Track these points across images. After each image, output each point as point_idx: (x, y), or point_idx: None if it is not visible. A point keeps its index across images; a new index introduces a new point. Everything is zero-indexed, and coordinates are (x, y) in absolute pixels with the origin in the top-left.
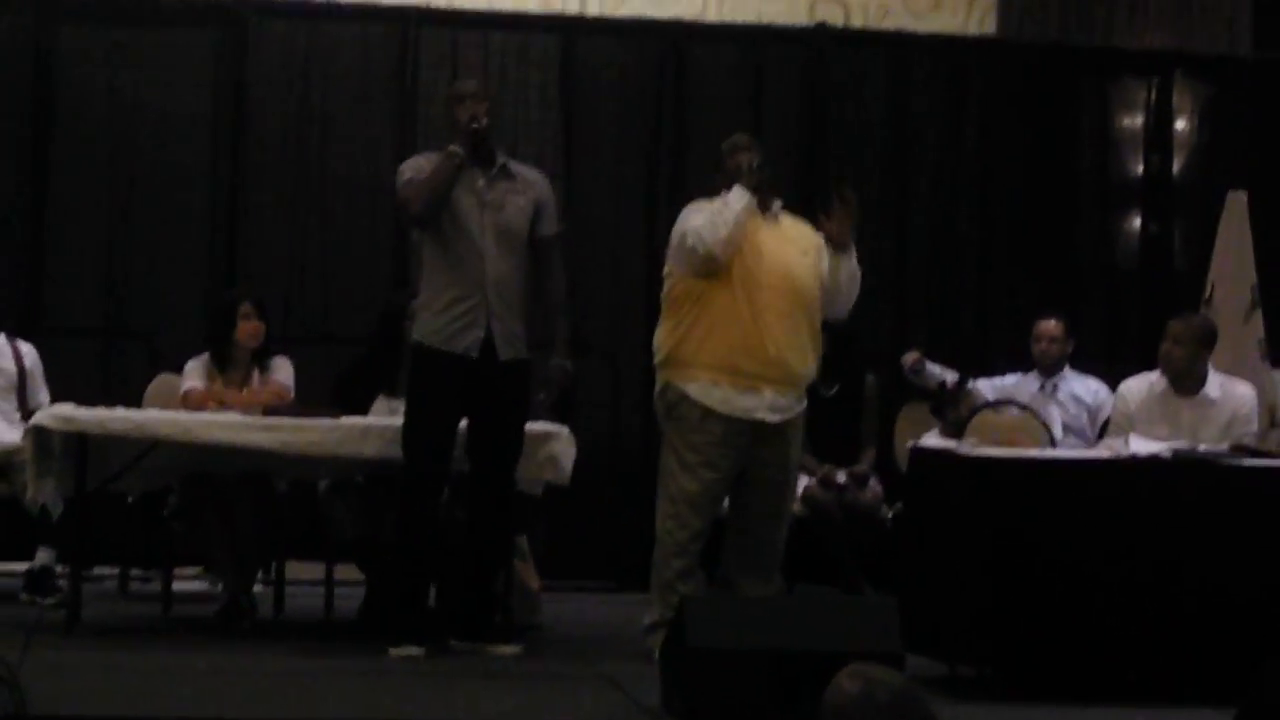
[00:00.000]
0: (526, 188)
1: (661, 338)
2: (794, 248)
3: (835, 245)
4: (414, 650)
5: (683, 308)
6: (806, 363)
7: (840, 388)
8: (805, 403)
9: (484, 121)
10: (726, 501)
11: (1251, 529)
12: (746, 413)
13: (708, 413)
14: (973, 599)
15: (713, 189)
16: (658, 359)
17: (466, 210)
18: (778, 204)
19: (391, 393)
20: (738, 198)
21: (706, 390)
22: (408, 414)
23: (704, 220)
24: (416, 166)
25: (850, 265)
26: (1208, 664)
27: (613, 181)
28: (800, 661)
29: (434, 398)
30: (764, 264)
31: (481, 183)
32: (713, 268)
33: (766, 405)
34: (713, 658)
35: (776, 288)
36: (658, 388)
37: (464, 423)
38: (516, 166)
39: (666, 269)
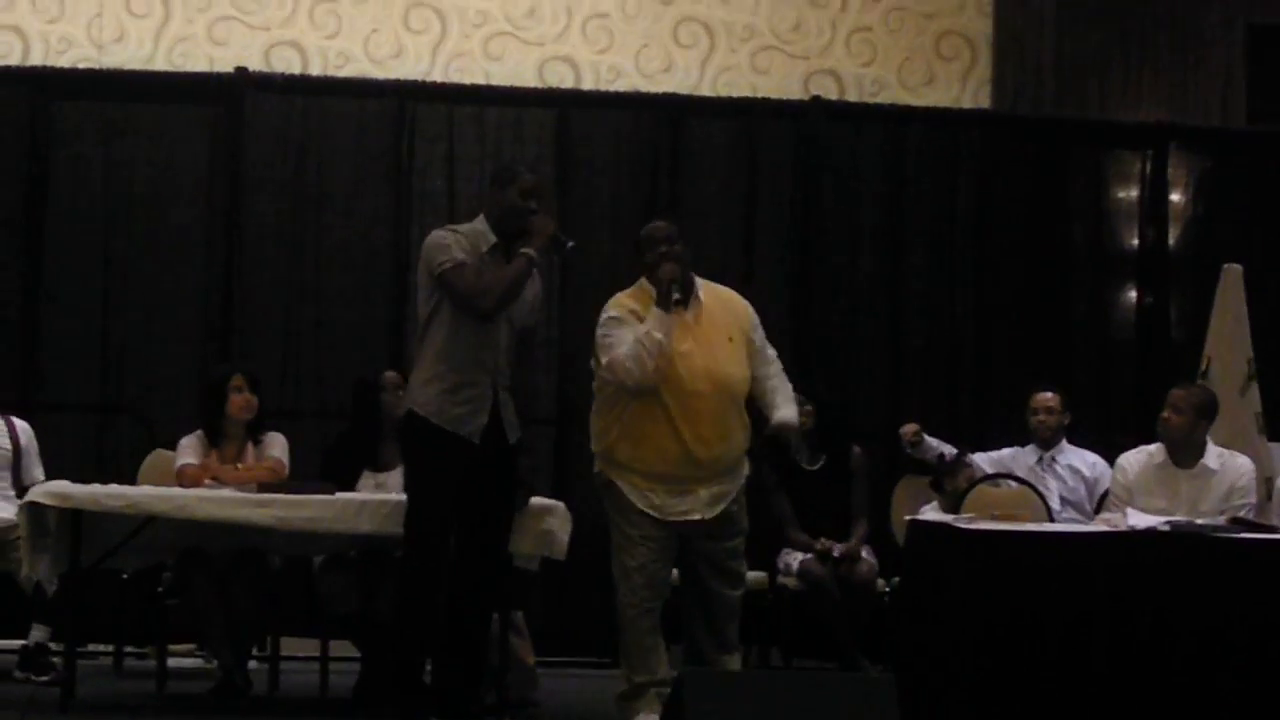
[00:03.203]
0: (533, 280)
1: (597, 431)
2: (717, 338)
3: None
4: None
5: (615, 408)
6: (739, 448)
7: (826, 460)
8: (744, 472)
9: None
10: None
11: (1249, 602)
12: (683, 515)
13: (642, 511)
14: (971, 674)
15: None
16: (595, 447)
17: None
18: (695, 290)
19: (375, 467)
20: (660, 326)
21: (642, 495)
22: (411, 491)
23: (630, 353)
24: (459, 244)
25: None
26: None
27: (608, 253)
28: None
29: (437, 476)
30: (691, 369)
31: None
32: (645, 390)
33: (703, 504)
34: None
35: (703, 393)
36: (597, 467)
37: None
38: None
39: (594, 364)
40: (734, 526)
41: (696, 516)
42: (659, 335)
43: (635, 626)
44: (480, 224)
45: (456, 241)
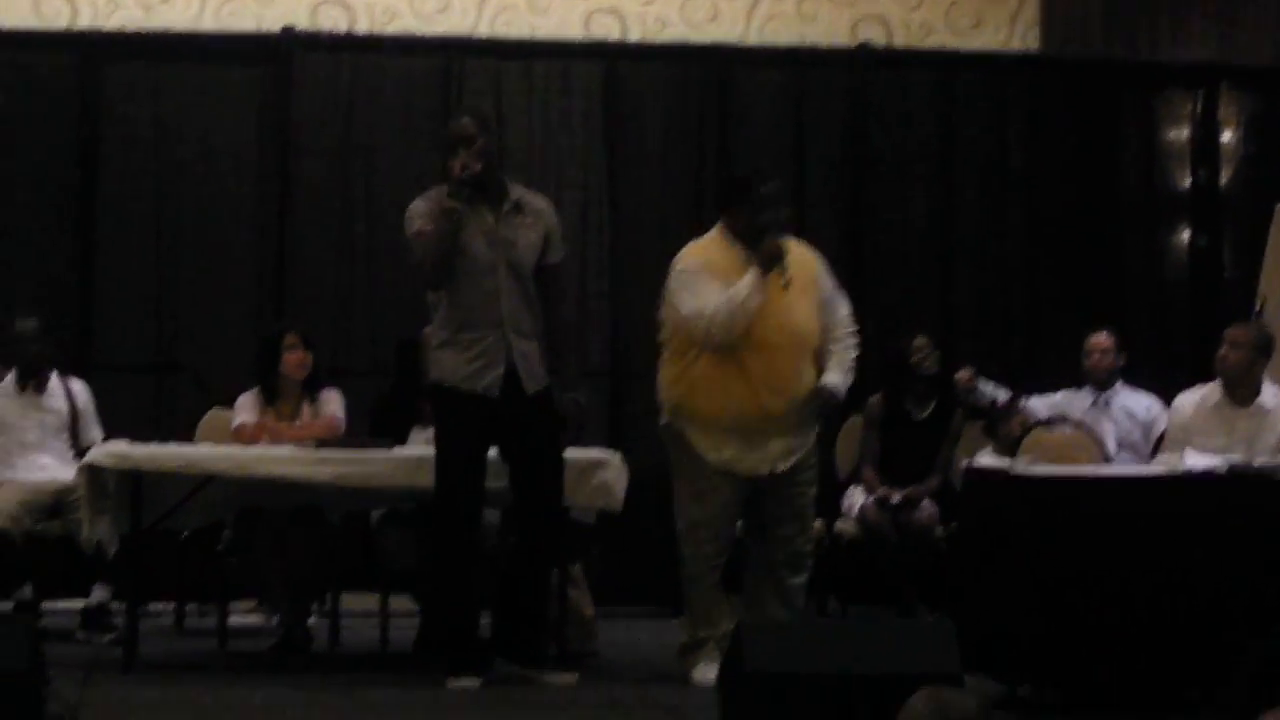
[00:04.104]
0: (536, 219)
1: (666, 383)
2: (797, 289)
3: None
4: (470, 681)
5: (686, 359)
6: (806, 399)
7: (934, 409)
8: (815, 426)
9: (476, 168)
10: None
11: None
12: (753, 470)
13: (712, 465)
14: (1030, 618)
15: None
16: (663, 397)
17: (479, 250)
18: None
19: (421, 423)
20: (754, 291)
21: (715, 446)
22: (436, 452)
23: (723, 311)
24: (423, 212)
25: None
26: (1265, 676)
27: (657, 207)
28: (859, 685)
29: (458, 435)
30: (769, 324)
31: (491, 220)
32: (723, 347)
33: (776, 456)
34: (770, 682)
35: (777, 345)
36: (664, 419)
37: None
38: (526, 197)
39: (663, 317)
40: (806, 479)
41: (768, 470)
42: (754, 304)
43: (700, 583)
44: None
45: (420, 209)
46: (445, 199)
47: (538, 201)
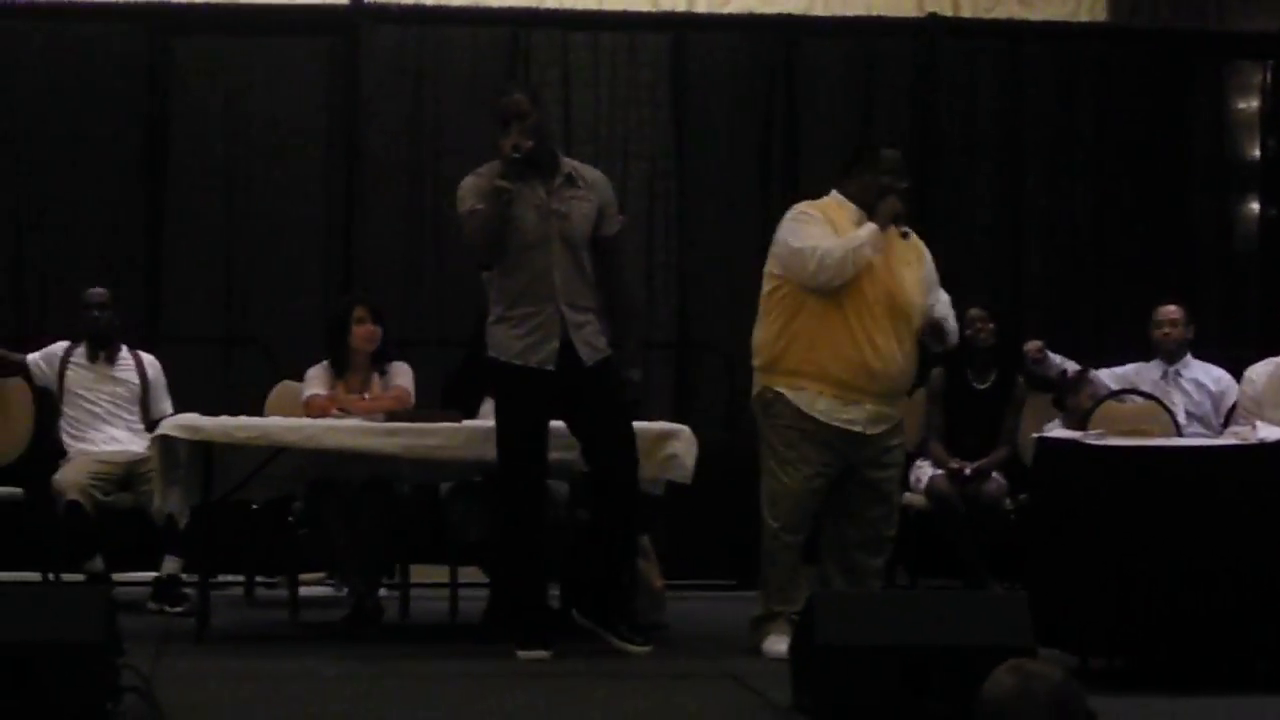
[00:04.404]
0: (590, 191)
1: (764, 340)
2: (901, 261)
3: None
4: (541, 653)
5: (788, 313)
6: (908, 375)
7: (995, 380)
8: (902, 407)
9: (527, 146)
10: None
11: None
12: (847, 424)
13: (806, 417)
14: (1104, 590)
15: (847, 184)
16: (758, 361)
17: (531, 225)
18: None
19: (493, 395)
20: (874, 241)
21: (810, 400)
22: (496, 428)
23: (837, 251)
24: (475, 189)
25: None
26: None
27: (725, 178)
28: (931, 657)
29: (516, 411)
30: (874, 282)
31: (543, 193)
32: (827, 290)
33: (867, 417)
34: (842, 654)
35: (883, 304)
36: (755, 389)
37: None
38: (579, 169)
39: (770, 269)
40: (893, 458)
41: (859, 428)
42: (867, 253)
43: (780, 558)
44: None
45: (473, 187)
46: (496, 178)
47: (591, 174)
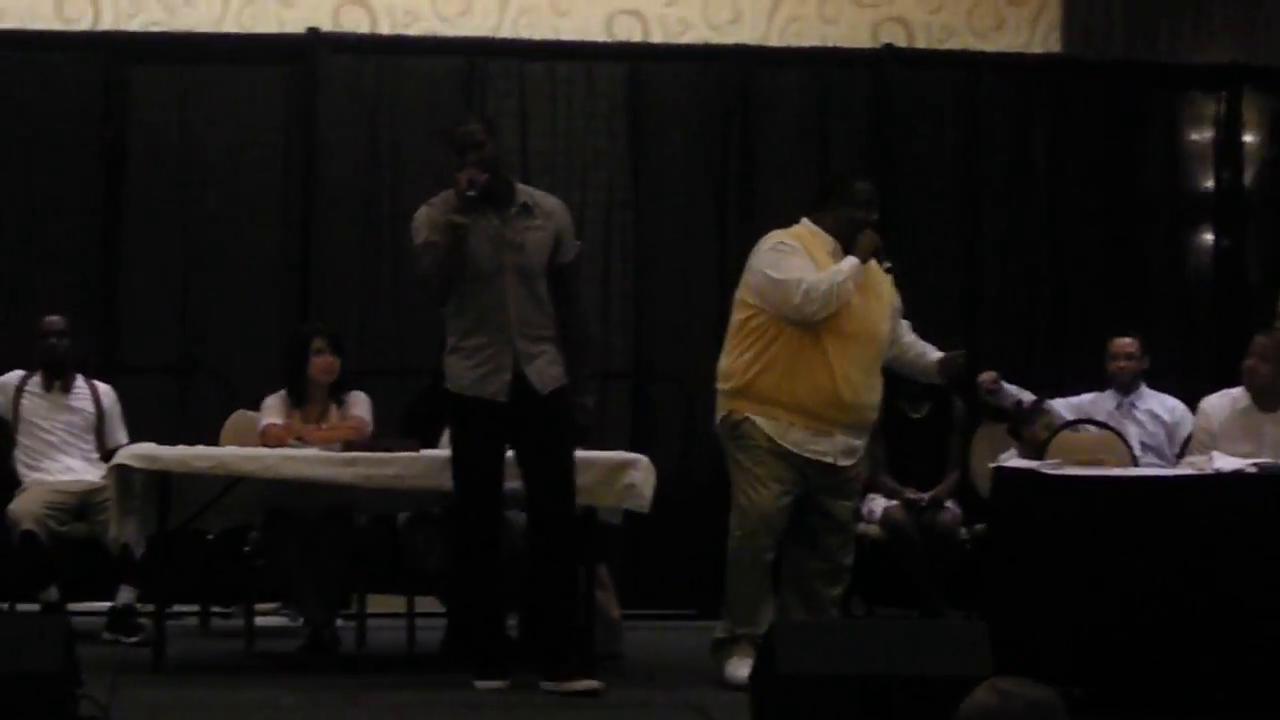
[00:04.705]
0: (547, 220)
1: (735, 367)
2: (873, 294)
3: (938, 369)
4: (498, 683)
5: (763, 341)
6: (876, 408)
7: (930, 409)
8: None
9: (482, 180)
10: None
11: None
12: (818, 456)
13: (777, 443)
14: (1063, 619)
15: (813, 213)
16: (727, 386)
17: (485, 256)
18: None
19: None
20: (855, 275)
21: (782, 431)
22: (452, 459)
23: (825, 289)
24: (430, 222)
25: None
26: None
27: (681, 207)
28: (892, 685)
29: (470, 441)
30: (850, 314)
31: (498, 223)
32: (808, 323)
33: (840, 449)
34: (803, 684)
35: (858, 337)
36: (721, 414)
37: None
38: (535, 197)
39: (744, 298)
40: (852, 488)
41: (830, 459)
42: (851, 287)
43: (748, 576)
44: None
45: (428, 219)
46: (451, 212)
47: (548, 201)
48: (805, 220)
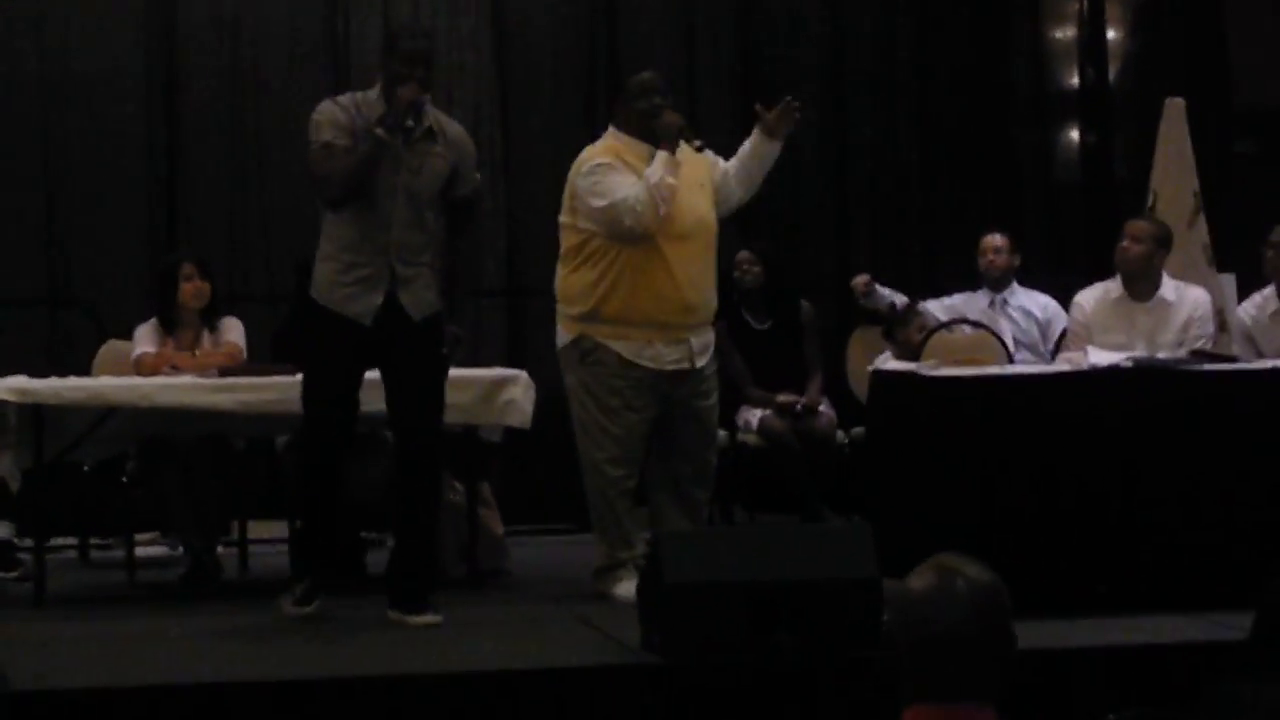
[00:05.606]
0: (448, 149)
1: (579, 290)
2: (695, 184)
3: (768, 132)
4: (307, 609)
5: (604, 262)
6: (715, 300)
7: (775, 319)
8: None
9: (424, 103)
10: None
11: (1212, 433)
12: (677, 363)
13: (633, 365)
14: (943, 519)
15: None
16: (572, 311)
17: (380, 175)
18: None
19: None
20: (668, 169)
21: (637, 349)
22: (305, 372)
23: (641, 198)
24: (336, 122)
25: (774, 155)
26: (1175, 569)
27: (550, 121)
28: (778, 591)
29: (328, 357)
30: (679, 212)
31: (400, 143)
32: (644, 238)
33: (695, 352)
34: (690, 593)
35: (691, 235)
36: (568, 338)
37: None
38: (443, 123)
39: (574, 223)
40: (710, 387)
41: (688, 365)
42: (673, 180)
43: (615, 506)
44: (374, 91)
45: (332, 118)
46: (377, 125)
47: (454, 130)
48: (611, 130)
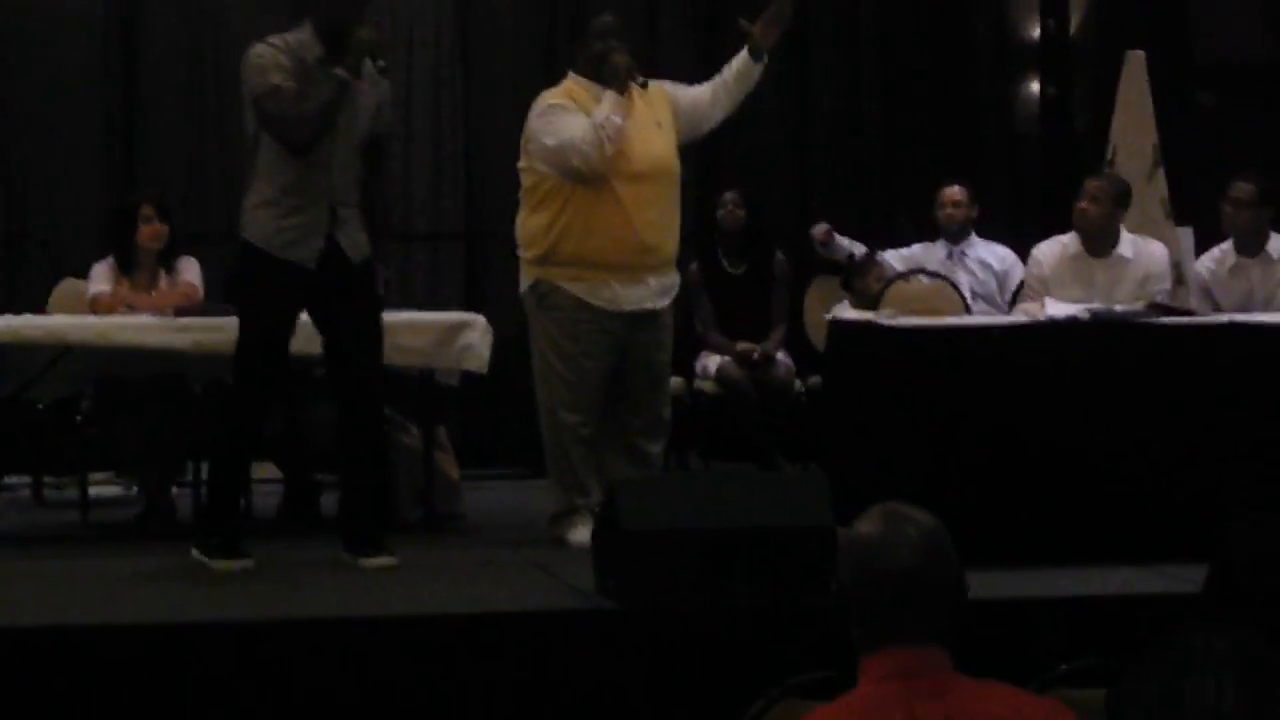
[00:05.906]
0: (373, 85)
1: (534, 233)
2: (652, 123)
3: (752, 50)
4: (245, 563)
5: (558, 203)
6: (677, 241)
7: (749, 264)
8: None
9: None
10: None
11: (1168, 386)
12: (636, 304)
13: (589, 307)
14: (899, 469)
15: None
16: (530, 254)
17: None
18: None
19: None
20: (614, 108)
21: (592, 290)
22: (240, 316)
23: (588, 138)
24: (278, 64)
25: (758, 73)
26: (1134, 520)
27: (510, 64)
28: (734, 538)
29: (267, 303)
30: (633, 153)
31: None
32: (595, 178)
33: (654, 293)
34: (646, 539)
35: (648, 176)
36: (528, 281)
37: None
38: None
39: (531, 165)
40: (665, 339)
41: (649, 305)
42: (618, 119)
43: (570, 454)
44: (305, 33)
45: (275, 61)
46: (339, 69)
47: (368, 66)
48: (570, 75)
